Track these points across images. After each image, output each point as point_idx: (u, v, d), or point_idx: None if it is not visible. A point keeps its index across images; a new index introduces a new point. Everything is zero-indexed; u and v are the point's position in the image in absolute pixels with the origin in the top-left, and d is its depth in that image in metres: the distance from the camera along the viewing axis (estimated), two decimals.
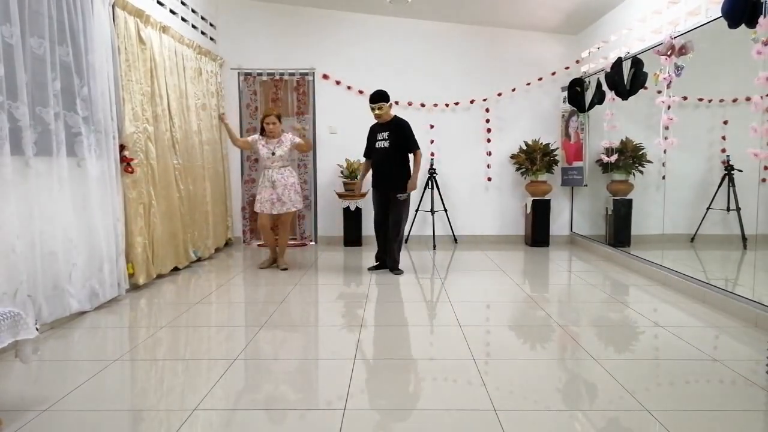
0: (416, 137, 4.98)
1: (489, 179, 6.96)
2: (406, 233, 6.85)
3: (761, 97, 3.23)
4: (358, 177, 5.53)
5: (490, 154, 6.91)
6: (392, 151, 4.92)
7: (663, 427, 2.13)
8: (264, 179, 5.20)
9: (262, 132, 5.22)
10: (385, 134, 4.95)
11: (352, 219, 6.72)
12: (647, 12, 4.99)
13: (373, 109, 4.93)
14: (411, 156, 4.98)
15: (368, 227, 6.87)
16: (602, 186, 6.11)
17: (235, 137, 5.40)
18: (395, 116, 5.04)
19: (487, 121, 6.89)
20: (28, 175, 3.17)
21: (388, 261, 5.12)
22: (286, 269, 5.25)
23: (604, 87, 5.66)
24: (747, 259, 4.42)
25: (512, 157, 6.80)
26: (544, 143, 6.61)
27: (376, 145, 5.01)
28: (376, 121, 5.06)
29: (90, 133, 3.81)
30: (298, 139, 5.24)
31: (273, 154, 5.13)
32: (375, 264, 5.27)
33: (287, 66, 6.73)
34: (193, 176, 5.54)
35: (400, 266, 5.13)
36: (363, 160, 5.32)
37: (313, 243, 6.96)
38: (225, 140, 6.60)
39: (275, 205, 5.15)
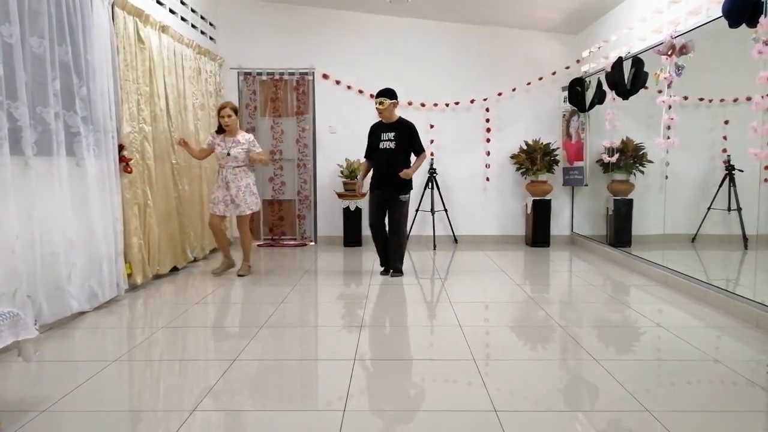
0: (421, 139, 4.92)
1: (489, 179, 6.95)
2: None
3: (762, 96, 3.22)
4: (359, 177, 5.28)
5: (489, 154, 6.91)
6: (398, 152, 4.82)
7: (664, 427, 2.12)
8: (218, 178, 4.98)
9: (220, 130, 4.97)
10: (391, 135, 4.84)
11: (352, 219, 6.71)
12: (648, 11, 4.98)
13: (375, 103, 4.82)
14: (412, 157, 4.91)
15: (368, 227, 6.87)
16: (603, 186, 6.11)
17: (196, 153, 5.06)
18: (400, 117, 4.93)
19: (488, 120, 6.88)
20: (27, 175, 3.16)
21: (391, 261, 4.99)
22: (243, 275, 4.95)
23: (605, 87, 5.65)
24: (748, 259, 4.41)
25: (513, 157, 6.79)
26: (544, 143, 6.61)
27: (380, 146, 4.88)
28: (376, 121, 4.98)
29: (89, 132, 3.80)
30: (257, 149, 4.98)
31: (228, 154, 4.87)
32: (383, 269, 5.08)
33: (287, 66, 6.72)
34: (190, 176, 5.52)
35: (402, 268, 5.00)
36: (362, 160, 5.21)
37: (312, 243, 6.95)
38: None
39: (228, 207, 4.91)
